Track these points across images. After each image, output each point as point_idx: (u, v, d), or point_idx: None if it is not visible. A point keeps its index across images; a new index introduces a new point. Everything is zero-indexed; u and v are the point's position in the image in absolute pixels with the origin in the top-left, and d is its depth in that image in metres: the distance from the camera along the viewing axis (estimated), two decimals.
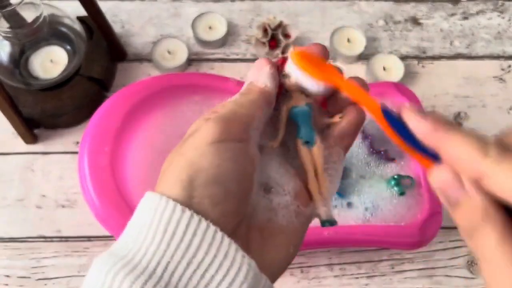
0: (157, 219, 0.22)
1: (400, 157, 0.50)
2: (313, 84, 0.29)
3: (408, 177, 0.48)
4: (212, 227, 0.22)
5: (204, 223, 0.22)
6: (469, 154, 0.22)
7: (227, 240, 0.23)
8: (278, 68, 0.29)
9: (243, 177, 0.25)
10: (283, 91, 0.29)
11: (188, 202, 0.23)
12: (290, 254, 0.27)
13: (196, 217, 0.22)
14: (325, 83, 0.29)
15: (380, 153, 0.50)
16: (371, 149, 0.50)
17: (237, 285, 0.22)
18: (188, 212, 0.22)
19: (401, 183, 0.48)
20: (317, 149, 0.29)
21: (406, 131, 0.26)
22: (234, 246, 0.23)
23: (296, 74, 0.29)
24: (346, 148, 0.30)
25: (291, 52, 0.29)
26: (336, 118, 0.30)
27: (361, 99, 0.29)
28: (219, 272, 0.22)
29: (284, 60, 0.29)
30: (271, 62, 0.28)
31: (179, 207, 0.22)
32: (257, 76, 0.28)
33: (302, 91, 0.29)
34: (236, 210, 0.25)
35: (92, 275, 0.23)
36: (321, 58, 0.30)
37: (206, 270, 0.22)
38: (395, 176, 0.48)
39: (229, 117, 0.25)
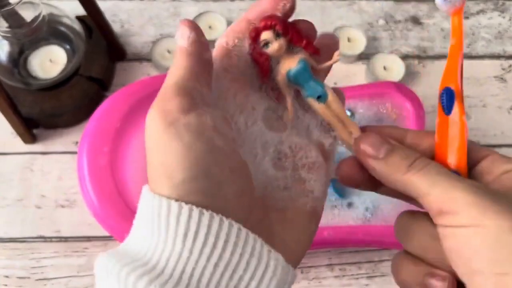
0: (173, 224, 0.21)
1: None
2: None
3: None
4: (236, 225, 0.21)
5: (225, 221, 0.21)
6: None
7: (251, 236, 0.21)
8: (255, 40, 0.28)
9: (224, 155, 0.22)
10: (269, 61, 0.28)
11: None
12: (313, 231, 0.27)
13: (216, 218, 0.21)
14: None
15: None
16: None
17: (266, 282, 0.22)
18: (207, 213, 0.21)
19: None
20: (332, 97, 0.29)
21: None
22: (259, 242, 0.22)
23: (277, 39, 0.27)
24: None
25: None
26: (335, 57, 0.29)
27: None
28: (247, 271, 0.21)
29: (257, 30, 0.28)
30: (186, 23, 0.27)
31: (196, 209, 0.21)
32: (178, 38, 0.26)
33: (289, 51, 0.28)
34: (239, 196, 0.23)
35: (109, 280, 0.21)
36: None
37: (234, 271, 0.21)
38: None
39: (165, 95, 0.23)
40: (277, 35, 0.27)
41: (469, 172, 0.25)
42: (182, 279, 0.20)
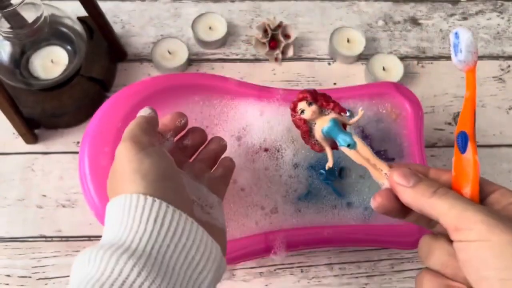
0: (142, 213, 0.27)
1: (400, 157, 0.50)
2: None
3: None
4: (189, 218, 0.28)
5: (183, 215, 0.28)
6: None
7: (200, 228, 0.29)
8: (294, 110, 0.38)
9: (177, 172, 0.32)
10: (307, 123, 0.38)
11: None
12: (225, 239, 0.35)
13: (177, 211, 0.28)
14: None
15: (380, 153, 0.50)
16: (371, 149, 0.50)
17: (210, 264, 0.29)
18: (167, 206, 0.28)
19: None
20: (360, 144, 0.35)
21: None
22: (206, 233, 0.29)
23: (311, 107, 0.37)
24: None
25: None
26: (360, 113, 0.38)
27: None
28: (197, 253, 0.28)
29: (294, 103, 0.38)
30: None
31: (158, 201, 0.28)
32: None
33: (322, 113, 0.38)
34: (187, 200, 0.31)
35: (94, 261, 0.26)
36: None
37: (188, 252, 0.28)
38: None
39: (135, 135, 0.33)
40: (309, 104, 0.37)
41: (481, 202, 0.30)
42: (151, 254, 0.26)
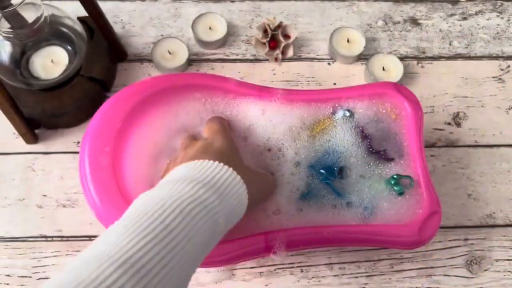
0: (216, 169, 0.39)
1: (399, 157, 0.50)
2: None
3: (408, 177, 0.49)
4: (235, 174, 0.39)
5: (231, 170, 0.39)
6: None
7: (244, 186, 0.39)
8: None
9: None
10: None
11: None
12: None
13: (230, 169, 0.39)
14: None
15: (379, 153, 0.50)
16: (371, 149, 0.50)
17: (244, 204, 0.40)
18: (223, 165, 0.39)
19: (400, 183, 0.48)
20: None
21: None
22: (245, 189, 0.40)
23: None
24: None
25: None
26: None
27: None
28: (242, 193, 0.39)
29: None
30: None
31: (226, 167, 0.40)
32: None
33: None
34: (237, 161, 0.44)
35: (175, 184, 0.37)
36: None
37: (232, 193, 0.38)
38: (395, 176, 0.48)
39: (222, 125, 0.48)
40: None
41: None
42: (215, 186, 0.37)
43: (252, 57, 0.66)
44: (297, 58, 0.66)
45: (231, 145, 0.44)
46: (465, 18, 0.71)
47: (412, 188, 0.48)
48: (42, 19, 0.54)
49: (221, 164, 0.39)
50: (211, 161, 0.39)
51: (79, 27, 0.59)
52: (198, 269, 0.52)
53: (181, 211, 0.33)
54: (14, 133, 0.59)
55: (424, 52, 0.68)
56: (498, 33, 0.70)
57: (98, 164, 0.47)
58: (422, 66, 0.66)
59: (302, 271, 0.53)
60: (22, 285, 0.51)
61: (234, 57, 0.66)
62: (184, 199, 0.34)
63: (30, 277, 0.52)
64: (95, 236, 0.54)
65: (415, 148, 0.50)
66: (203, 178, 0.37)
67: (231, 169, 0.39)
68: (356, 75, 0.65)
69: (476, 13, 0.71)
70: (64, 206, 0.56)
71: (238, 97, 0.52)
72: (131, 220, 0.32)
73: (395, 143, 0.51)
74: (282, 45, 0.64)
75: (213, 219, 0.35)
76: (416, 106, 0.52)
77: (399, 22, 0.70)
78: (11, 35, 0.54)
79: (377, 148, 0.51)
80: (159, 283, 0.30)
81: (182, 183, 0.36)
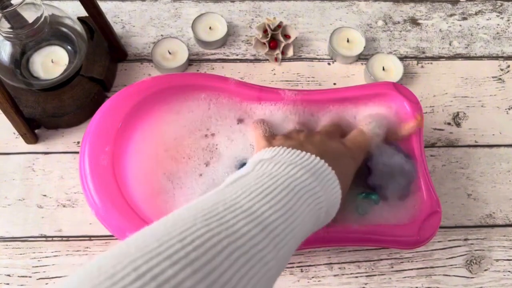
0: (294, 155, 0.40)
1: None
2: None
3: (374, 194, 0.49)
4: (332, 171, 0.40)
5: (330, 169, 0.40)
6: None
7: (333, 172, 0.39)
8: None
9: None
10: None
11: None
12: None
13: (329, 167, 0.40)
14: None
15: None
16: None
17: (338, 201, 0.40)
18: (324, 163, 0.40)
19: (367, 201, 0.48)
20: None
21: None
22: (334, 175, 0.39)
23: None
24: None
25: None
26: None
27: None
28: (331, 179, 0.39)
29: None
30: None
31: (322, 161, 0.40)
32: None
33: None
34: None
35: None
36: None
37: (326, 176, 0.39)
38: (362, 193, 0.49)
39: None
40: None
41: None
42: (316, 172, 0.38)
43: (252, 57, 0.66)
44: (297, 58, 0.66)
45: (329, 142, 0.44)
46: (465, 18, 0.71)
47: (377, 204, 0.48)
48: (42, 19, 0.54)
49: (322, 160, 0.40)
50: (315, 156, 0.40)
51: (79, 27, 0.59)
52: None
53: (292, 190, 0.34)
54: (14, 133, 0.59)
55: (424, 52, 0.68)
56: (498, 33, 0.70)
57: (98, 164, 0.47)
58: (422, 66, 0.66)
59: (302, 271, 0.53)
60: (22, 285, 0.52)
61: (234, 57, 0.66)
62: (292, 180, 0.35)
63: (30, 277, 0.52)
64: (95, 236, 0.54)
65: (415, 148, 0.50)
66: (309, 168, 0.38)
67: (330, 168, 0.40)
68: (356, 75, 0.65)
69: (476, 13, 0.71)
70: (64, 206, 0.56)
71: (239, 97, 0.52)
72: (247, 183, 0.34)
73: (395, 143, 0.51)
74: (282, 45, 0.64)
75: (317, 207, 0.36)
76: (416, 106, 0.52)
77: (399, 22, 0.70)
78: (11, 35, 0.54)
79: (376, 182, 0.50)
80: (282, 241, 0.31)
81: (288, 166, 0.37)
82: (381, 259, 0.54)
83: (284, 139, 0.43)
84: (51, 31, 0.57)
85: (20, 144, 0.59)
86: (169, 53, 0.64)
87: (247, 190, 0.33)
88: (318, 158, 0.39)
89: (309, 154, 0.40)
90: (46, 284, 0.52)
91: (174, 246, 0.25)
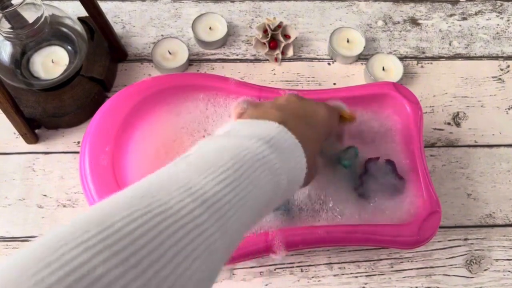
0: (276, 128, 0.37)
1: (399, 157, 0.51)
2: None
3: (352, 147, 0.50)
4: (292, 136, 0.37)
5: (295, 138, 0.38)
6: None
7: (301, 148, 0.37)
8: None
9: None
10: None
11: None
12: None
13: (292, 136, 0.37)
14: None
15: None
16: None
17: (303, 167, 0.37)
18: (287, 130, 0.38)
19: (346, 158, 0.50)
20: None
21: None
22: (298, 144, 0.37)
23: None
24: None
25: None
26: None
27: None
28: (299, 156, 0.37)
29: None
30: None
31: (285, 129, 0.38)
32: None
33: None
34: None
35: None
36: None
37: (291, 154, 0.36)
38: (341, 157, 0.50)
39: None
40: None
41: None
42: (275, 143, 0.36)
43: (252, 57, 0.66)
44: (297, 58, 0.66)
45: (292, 105, 0.42)
46: (465, 18, 0.71)
47: (357, 160, 0.50)
48: (43, 19, 0.54)
49: (281, 126, 0.38)
50: (274, 122, 0.38)
51: (79, 27, 0.59)
52: None
53: (237, 162, 0.33)
54: (14, 133, 0.59)
55: (424, 52, 0.68)
56: (498, 33, 0.70)
57: (98, 164, 0.47)
58: (422, 66, 0.66)
59: (302, 270, 0.54)
60: None
61: (234, 57, 0.66)
62: (240, 151, 0.34)
63: None
64: None
65: (415, 148, 0.50)
66: (262, 136, 0.36)
67: (289, 133, 0.37)
68: (356, 75, 0.65)
69: (476, 13, 0.72)
70: (64, 206, 0.56)
71: (239, 97, 0.52)
72: (190, 161, 0.32)
73: (394, 143, 0.51)
74: (282, 45, 0.64)
75: (273, 175, 0.35)
76: (415, 106, 0.52)
77: (399, 22, 0.70)
78: (12, 35, 0.54)
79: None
80: (228, 212, 0.29)
81: (239, 138, 0.35)
82: (381, 259, 0.54)
83: (251, 110, 0.42)
84: (51, 31, 0.57)
85: (20, 144, 0.59)
86: (169, 53, 0.64)
87: (187, 166, 0.31)
88: (276, 124, 0.37)
89: (267, 122, 0.38)
90: None
91: (91, 231, 0.23)
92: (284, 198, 0.38)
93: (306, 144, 0.38)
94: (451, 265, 0.54)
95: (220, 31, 0.66)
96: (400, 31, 0.69)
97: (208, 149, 0.34)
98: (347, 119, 0.47)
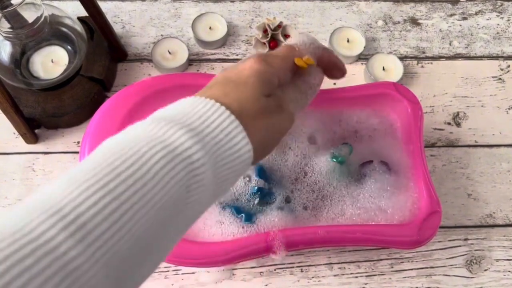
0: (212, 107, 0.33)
1: (399, 157, 0.51)
2: None
3: (346, 144, 0.50)
4: (235, 122, 0.32)
5: (234, 117, 0.32)
6: None
7: (242, 129, 0.32)
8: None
9: None
10: None
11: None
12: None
13: (227, 110, 0.32)
14: None
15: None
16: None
17: (242, 147, 0.32)
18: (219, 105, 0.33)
19: (340, 154, 0.50)
20: None
21: None
22: (245, 135, 0.32)
23: None
24: None
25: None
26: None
27: None
28: (236, 141, 0.32)
29: None
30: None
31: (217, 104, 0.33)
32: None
33: None
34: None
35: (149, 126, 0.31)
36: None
37: (230, 136, 0.31)
38: (335, 153, 0.50)
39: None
40: None
41: None
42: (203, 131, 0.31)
43: None
44: None
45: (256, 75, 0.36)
46: (465, 18, 0.71)
47: (350, 156, 0.50)
48: (42, 19, 0.54)
49: (218, 103, 0.32)
50: (206, 99, 0.33)
51: (79, 27, 0.59)
52: (198, 269, 0.52)
53: (139, 158, 0.27)
54: (14, 133, 0.59)
55: (424, 52, 0.68)
56: (498, 33, 0.70)
57: None
58: (422, 66, 0.66)
59: (302, 271, 0.53)
60: None
61: (234, 57, 0.66)
62: (152, 146, 0.28)
63: None
64: None
65: (415, 148, 0.50)
66: (185, 125, 0.31)
67: (232, 117, 0.32)
68: (356, 75, 0.65)
69: (476, 13, 0.71)
70: None
71: None
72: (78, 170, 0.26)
73: (394, 143, 0.51)
74: (282, 45, 0.64)
75: (190, 175, 0.28)
76: (416, 106, 0.52)
77: (399, 22, 0.70)
78: (11, 35, 0.54)
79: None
80: (110, 240, 0.24)
81: (157, 125, 0.30)
82: (381, 259, 0.54)
83: (220, 77, 0.38)
84: (51, 31, 0.57)
85: (20, 144, 0.59)
86: (169, 53, 0.64)
87: (71, 179, 0.25)
88: (212, 101, 0.32)
89: (198, 98, 0.33)
90: None
91: None
92: (220, 195, 0.32)
93: (243, 112, 0.33)
94: (451, 265, 0.54)
95: (220, 31, 0.66)
96: (400, 31, 0.69)
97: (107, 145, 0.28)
98: (302, 65, 0.42)
